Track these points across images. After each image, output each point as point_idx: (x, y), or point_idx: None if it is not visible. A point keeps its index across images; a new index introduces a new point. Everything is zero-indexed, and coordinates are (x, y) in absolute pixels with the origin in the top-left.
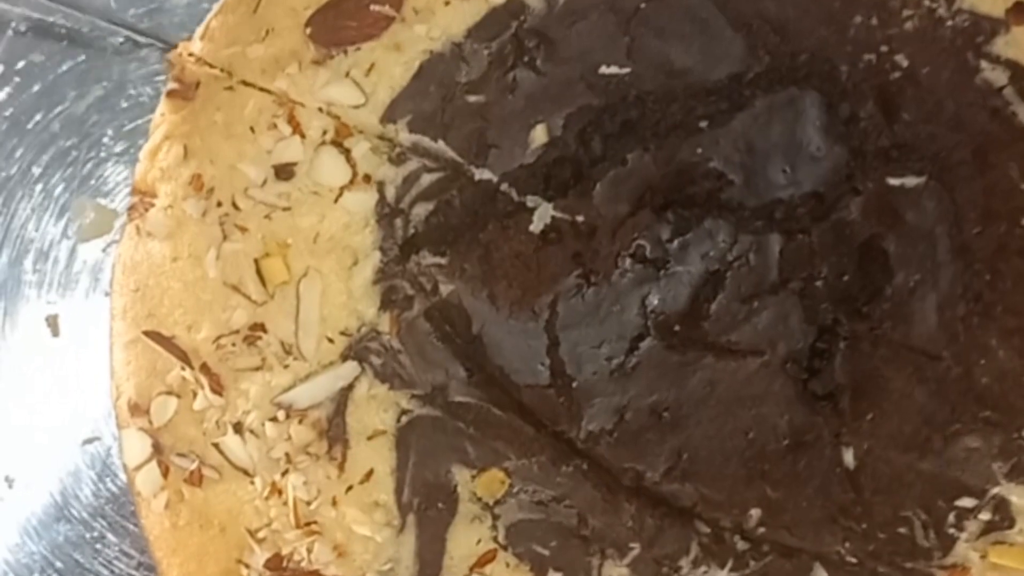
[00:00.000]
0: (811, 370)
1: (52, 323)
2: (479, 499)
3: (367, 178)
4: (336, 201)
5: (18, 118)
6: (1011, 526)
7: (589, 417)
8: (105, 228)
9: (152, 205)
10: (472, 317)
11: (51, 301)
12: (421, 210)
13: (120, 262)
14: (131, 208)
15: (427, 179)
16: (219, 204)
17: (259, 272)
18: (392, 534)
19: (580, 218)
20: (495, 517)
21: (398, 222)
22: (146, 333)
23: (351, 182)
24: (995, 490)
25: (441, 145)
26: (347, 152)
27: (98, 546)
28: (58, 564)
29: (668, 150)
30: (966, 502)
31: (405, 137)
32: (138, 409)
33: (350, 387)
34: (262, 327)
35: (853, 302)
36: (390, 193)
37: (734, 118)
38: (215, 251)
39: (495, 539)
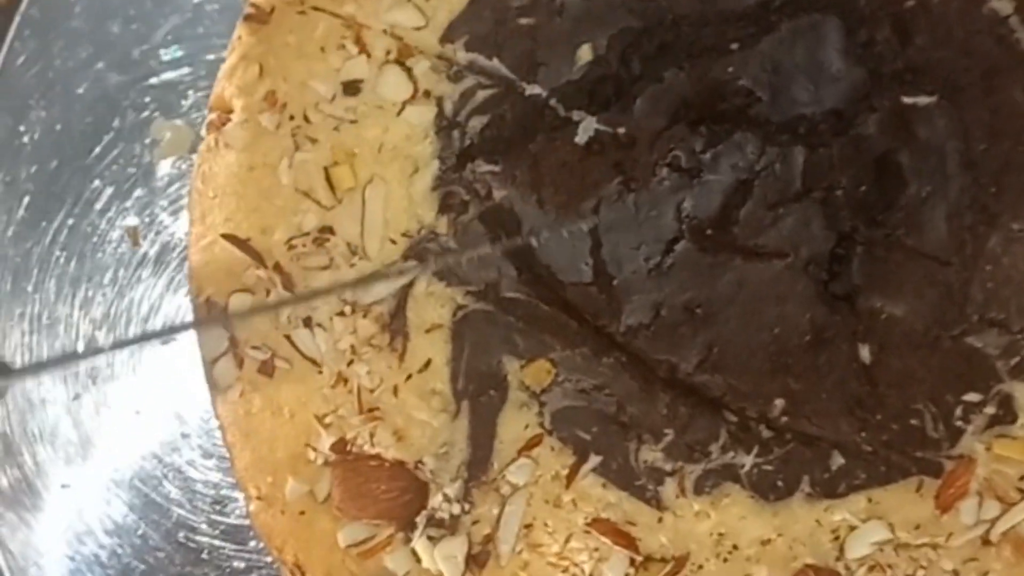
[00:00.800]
0: (831, 272)
1: (132, 234)
2: (527, 387)
3: (427, 93)
4: (399, 114)
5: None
6: (1014, 421)
7: (628, 313)
8: (180, 147)
9: (229, 120)
10: (522, 220)
11: (130, 212)
12: (476, 123)
13: (199, 172)
14: (210, 123)
15: (481, 95)
16: (291, 118)
17: (328, 179)
18: (447, 419)
19: (621, 130)
20: (541, 404)
21: (455, 134)
22: (224, 236)
23: (412, 97)
24: (999, 387)
25: (495, 63)
26: (409, 70)
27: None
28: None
29: (701, 69)
30: (972, 397)
31: (462, 56)
32: (215, 306)
33: (410, 284)
34: (330, 229)
35: (870, 210)
36: (448, 107)
37: (761, 41)
38: (288, 160)
39: (541, 424)
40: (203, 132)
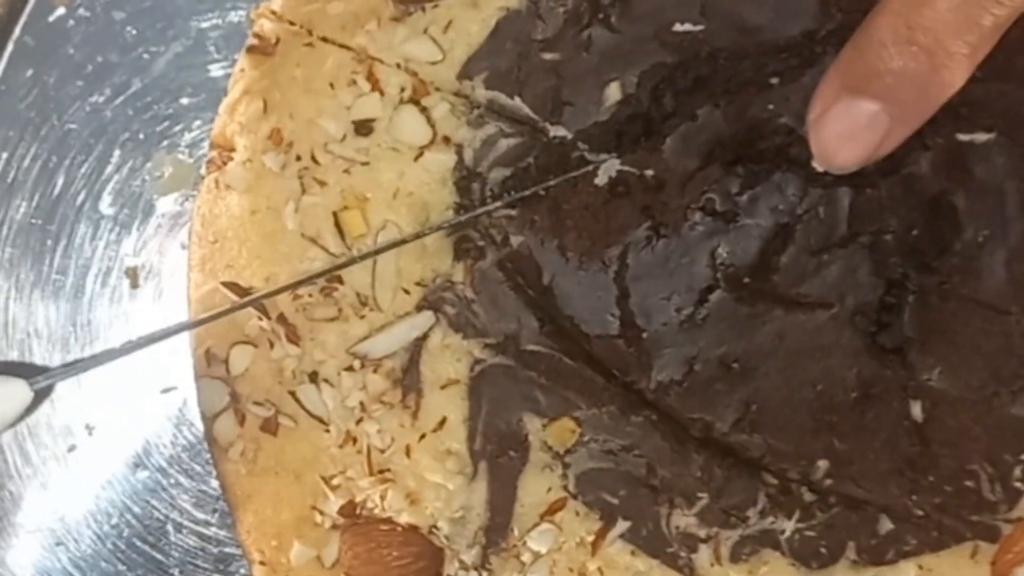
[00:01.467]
0: (879, 323)
1: (132, 275)
2: (550, 448)
3: (446, 140)
4: (416, 160)
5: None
6: None
7: (659, 368)
8: (182, 182)
9: (231, 159)
10: (543, 268)
11: (128, 254)
12: (498, 175)
13: (199, 214)
14: (209, 162)
15: (504, 144)
16: (298, 158)
17: (337, 225)
18: (464, 482)
19: (649, 172)
20: (565, 466)
21: (475, 186)
22: (225, 284)
23: (431, 142)
24: None
25: (517, 102)
26: (426, 111)
27: (174, 492)
28: (135, 510)
29: (739, 106)
30: None
31: (481, 94)
32: (216, 358)
33: (424, 337)
34: (338, 279)
35: (922, 256)
36: (468, 156)
37: (804, 74)
38: (294, 204)
39: (565, 487)
40: (203, 170)
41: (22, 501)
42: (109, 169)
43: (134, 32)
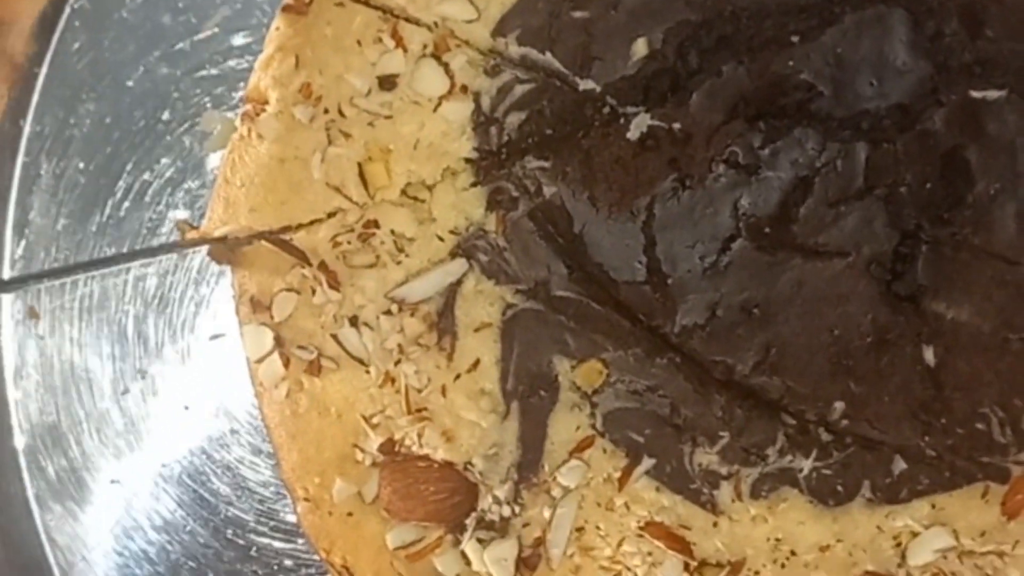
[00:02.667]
0: (894, 272)
1: (182, 227)
2: (578, 388)
3: (464, 89)
4: (435, 110)
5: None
6: None
7: (683, 312)
8: (231, 139)
9: (264, 110)
10: (573, 217)
11: (179, 207)
12: (514, 119)
13: (228, 160)
14: (244, 114)
15: (520, 90)
16: (326, 111)
17: (361, 175)
18: (497, 420)
19: (677, 125)
20: (593, 405)
21: (492, 130)
22: (266, 239)
23: (449, 92)
24: None
25: (548, 57)
26: (446, 65)
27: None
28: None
29: (761, 63)
30: None
31: (514, 50)
32: (260, 305)
33: (459, 282)
34: (375, 223)
35: (935, 208)
36: (485, 103)
37: (824, 33)
38: (320, 154)
39: (593, 426)
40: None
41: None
42: (160, 127)
43: None
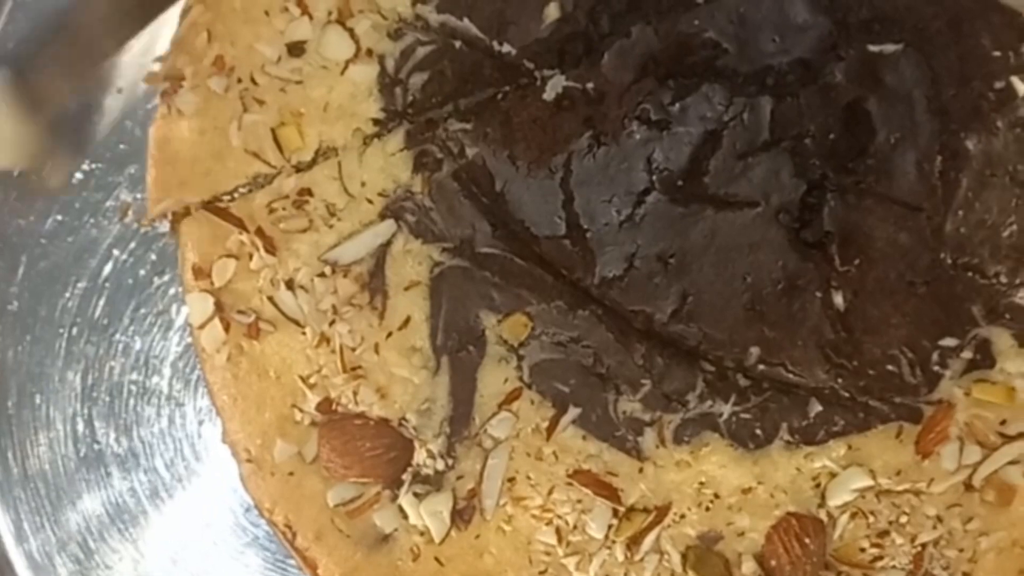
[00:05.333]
0: (802, 220)
1: (123, 208)
2: (505, 341)
3: (369, 52)
4: (342, 74)
5: None
6: (992, 365)
7: (602, 265)
8: None
9: (181, 87)
10: (495, 176)
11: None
12: (417, 79)
13: (154, 139)
14: (163, 93)
15: (421, 51)
16: (239, 81)
17: (276, 140)
18: (428, 376)
19: (590, 85)
20: (520, 358)
21: (397, 91)
22: (204, 206)
23: (355, 56)
24: (976, 331)
25: (466, 23)
26: (351, 30)
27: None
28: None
29: (668, 23)
30: (949, 342)
31: (434, 18)
32: (201, 272)
33: (388, 243)
34: (309, 191)
35: (839, 158)
36: (390, 65)
37: None
38: (237, 122)
39: (520, 378)
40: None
41: None
42: (103, 112)
43: None
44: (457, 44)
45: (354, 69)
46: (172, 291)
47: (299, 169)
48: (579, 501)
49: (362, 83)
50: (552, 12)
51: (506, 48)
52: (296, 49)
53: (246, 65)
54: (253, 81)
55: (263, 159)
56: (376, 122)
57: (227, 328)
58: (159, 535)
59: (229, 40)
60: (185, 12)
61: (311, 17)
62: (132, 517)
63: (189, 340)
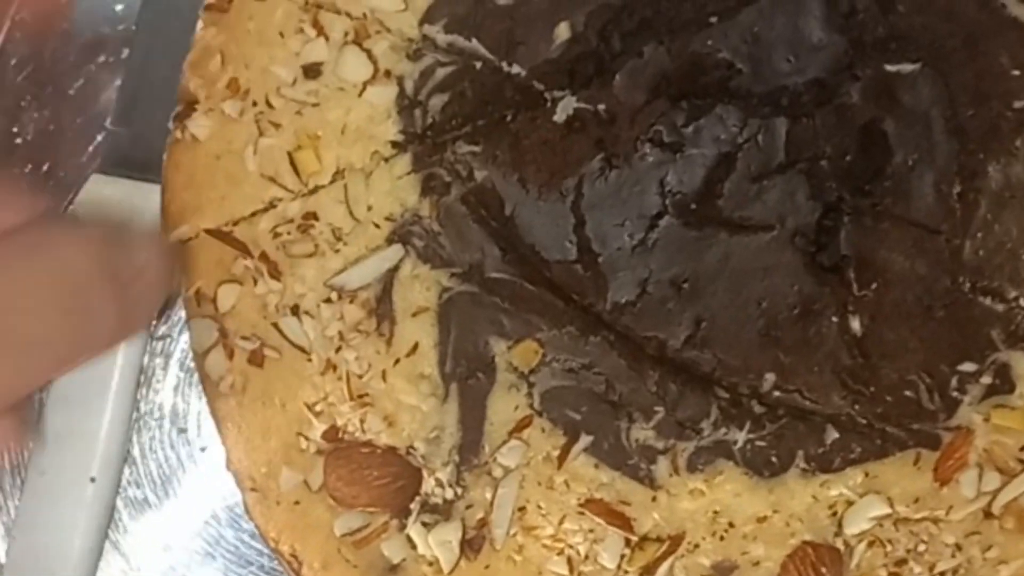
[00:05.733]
0: (818, 244)
1: None
2: (515, 368)
3: (387, 73)
4: (360, 95)
5: None
6: (1012, 390)
7: (614, 290)
8: None
9: (195, 110)
10: (505, 200)
11: None
12: (437, 101)
13: (169, 164)
14: (176, 116)
15: (441, 72)
16: (254, 104)
17: (293, 163)
18: (437, 404)
19: (602, 107)
20: (530, 385)
21: (417, 112)
22: (207, 231)
23: (373, 77)
24: (995, 356)
25: (474, 43)
26: (368, 51)
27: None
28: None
29: (681, 43)
30: (967, 367)
31: (442, 38)
32: (205, 298)
33: (395, 268)
34: (314, 215)
35: (856, 180)
36: (408, 86)
37: (741, 12)
38: (252, 146)
39: (531, 406)
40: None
41: None
42: (103, 134)
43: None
44: (478, 65)
45: (372, 91)
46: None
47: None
48: (591, 531)
49: (380, 105)
50: (562, 32)
51: (515, 69)
52: (312, 71)
53: (261, 88)
54: (268, 104)
55: (280, 183)
56: (395, 144)
57: (231, 355)
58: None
59: (243, 62)
60: (198, 36)
61: (327, 38)
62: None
63: None
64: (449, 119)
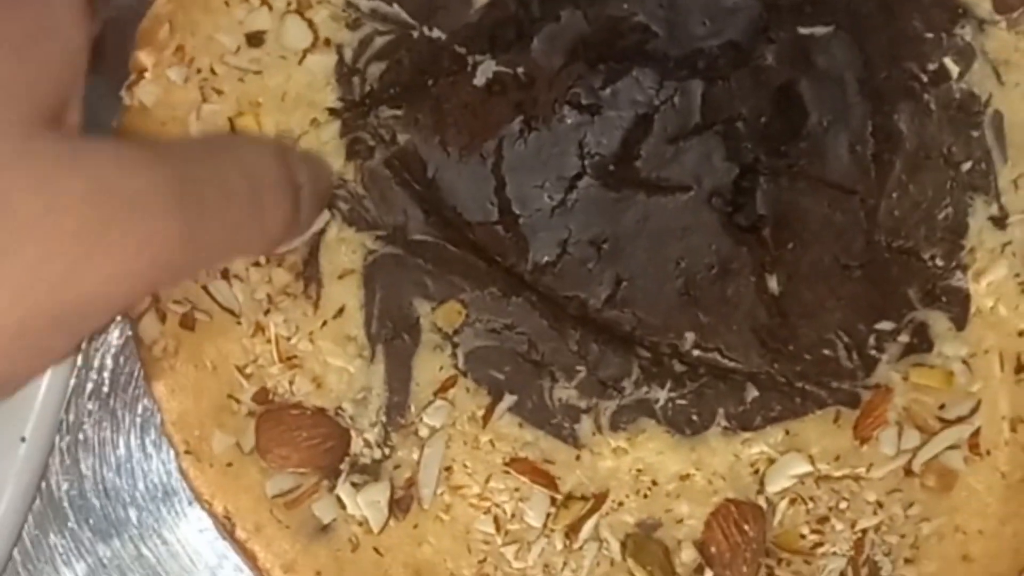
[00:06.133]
0: (735, 204)
1: None
2: (439, 329)
3: (327, 41)
4: (300, 63)
5: None
6: (930, 349)
7: (535, 250)
8: None
9: (144, 77)
10: (427, 162)
11: None
12: (375, 69)
13: (119, 132)
14: (128, 86)
15: (379, 41)
16: (199, 71)
17: (233, 129)
18: (363, 365)
19: (521, 70)
20: (454, 345)
21: (355, 80)
22: None
23: (313, 45)
24: (912, 314)
25: (395, 8)
26: (309, 20)
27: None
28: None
29: (598, 7)
30: (885, 326)
31: (365, 4)
32: None
33: (322, 231)
34: None
35: (772, 141)
36: (347, 55)
37: None
38: (195, 112)
39: (455, 366)
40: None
41: None
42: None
43: None
44: (415, 34)
45: (312, 59)
46: None
47: None
48: (516, 489)
49: (319, 72)
50: None
51: (436, 33)
52: (255, 39)
53: (205, 55)
54: (212, 71)
55: None
56: (332, 112)
57: (163, 319)
58: None
59: (189, 30)
60: (151, 5)
61: (270, 7)
62: None
63: None
64: (386, 87)
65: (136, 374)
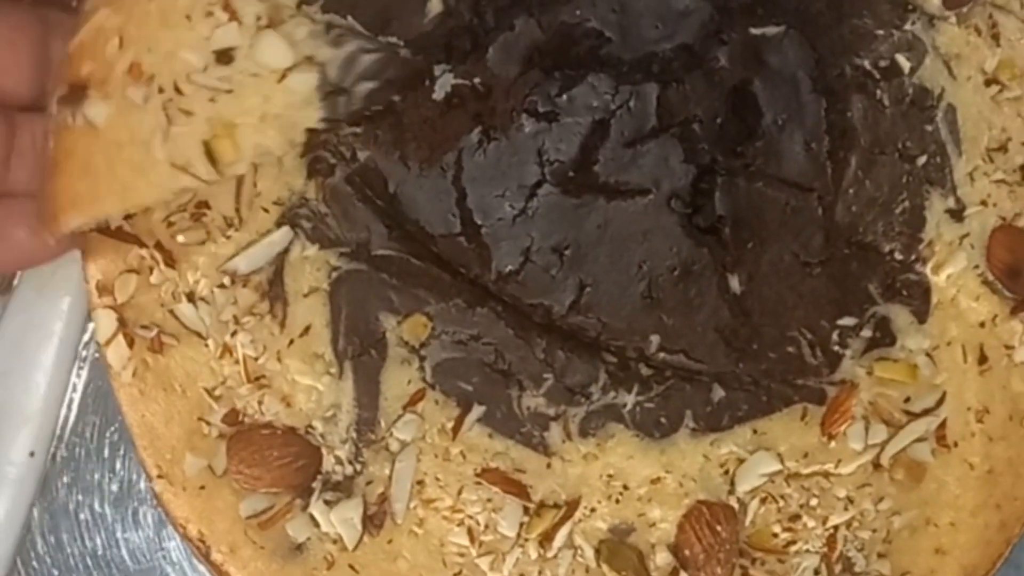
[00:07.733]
0: (694, 206)
1: None
2: (406, 343)
3: (308, 60)
4: (279, 82)
5: None
6: (893, 343)
7: (498, 260)
8: None
9: (87, 96)
10: (388, 178)
11: None
12: (363, 88)
13: (59, 151)
14: (61, 99)
15: (366, 59)
16: (161, 90)
17: (209, 152)
18: (332, 382)
19: (477, 80)
20: (422, 359)
21: (341, 100)
22: (96, 230)
23: (293, 64)
24: (874, 309)
25: (350, 20)
26: (288, 36)
27: None
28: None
29: (551, 15)
30: (847, 321)
31: (320, 17)
32: (105, 289)
33: (286, 251)
34: (207, 204)
35: (728, 142)
36: (332, 73)
37: None
38: (161, 135)
39: (423, 379)
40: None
41: None
42: None
43: None
44: (402, 53)
45: (293, 77)
46: None
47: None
48: (489, 500)
49: (301, 92)
50: (435, 5)
51: (392, 41)
52: (224, 56)
53: (167, 73)
54: (177, 90)
55: (192, 173)
56: (312, 132)
57: (131, 344)
58: None
59: (145, 46)
60: (86, 16)
61: (240, 22)
62: None
63: None
64: (371, 107)
65: None
